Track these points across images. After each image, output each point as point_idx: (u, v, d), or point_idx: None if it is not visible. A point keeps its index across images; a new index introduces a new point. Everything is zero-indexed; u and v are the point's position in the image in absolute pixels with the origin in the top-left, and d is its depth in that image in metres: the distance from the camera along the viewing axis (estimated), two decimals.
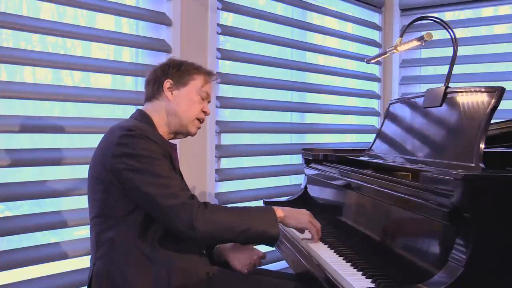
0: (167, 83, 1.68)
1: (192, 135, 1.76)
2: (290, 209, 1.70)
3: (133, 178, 1.47)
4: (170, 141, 1.75)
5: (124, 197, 1.50)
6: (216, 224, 1.49)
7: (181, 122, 1.70)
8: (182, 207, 1.46)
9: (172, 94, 1.69)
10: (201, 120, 1.74)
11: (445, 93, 1.78)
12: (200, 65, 1.78)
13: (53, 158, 2.05)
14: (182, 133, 1.74)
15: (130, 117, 1.71)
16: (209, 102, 1.78)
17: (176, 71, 1.70)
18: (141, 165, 1.47)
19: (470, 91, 1.69)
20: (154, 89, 1.71)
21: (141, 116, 1.67)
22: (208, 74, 1.76)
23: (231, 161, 2.85)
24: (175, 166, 1.60)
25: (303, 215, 1.70)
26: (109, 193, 1.52)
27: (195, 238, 1.50)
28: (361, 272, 1.47)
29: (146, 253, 1.51)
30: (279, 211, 1.63)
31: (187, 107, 1.69)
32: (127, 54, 2.50)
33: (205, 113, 1.74)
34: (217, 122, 2.68)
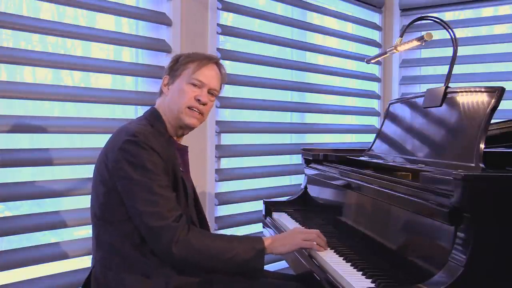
0: (165, 80, 1.66)
1: (191, 127, 1.64)
2: (279, 235, 1.65)
3: (127, 188, 1.45)
4: (183, 138, 1.71)
5: (123, 203, 1.48)
6: (195, 251, 1.45)
7: (173, 115, 1.62)
8: (164, 229, 1.42)
9: (168, 89, 1.65)
10: (195, 109, 1.61)
11: (445, 93, 1.78)
12: (201, 53, 1.70)
13: (53, 158, 2.05)
14: (181, 126, 1.64)
15: (143, 114, 1.67)
16: (211, 92, 1.65)
17: (173, 65, 1.66)
18: (138, 176, 1.44)
19: (470, 91, 1.69)
20: (160, 87, 1.69)
21: (152, 115, 1.63)
22: (203, 59, 1.65)
23: (231, 161, 2.85)
24: (177, 175, 1.55)
25: (293, 237, 1.61)
26: (110, 197, 1.50)
27: (172, 263, 1.47)
28: (361, 272, 1.47)
29: (145, 261, 1.48)
30: (268, 242, 1.55)
31: (177, 99, 1.61)
32: (127, 54, 2.50)
33: (198, 101, 1.61)
34: (217, 122, 2.68)
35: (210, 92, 1.65)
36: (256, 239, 1.56)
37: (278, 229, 2.10)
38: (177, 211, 1.47)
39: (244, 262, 1.50)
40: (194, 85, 1.61)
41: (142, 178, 1.44)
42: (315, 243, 1.63)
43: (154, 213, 1.43)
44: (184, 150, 1.71)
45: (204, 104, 1.62)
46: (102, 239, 1.53)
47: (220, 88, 1.72)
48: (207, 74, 1.63)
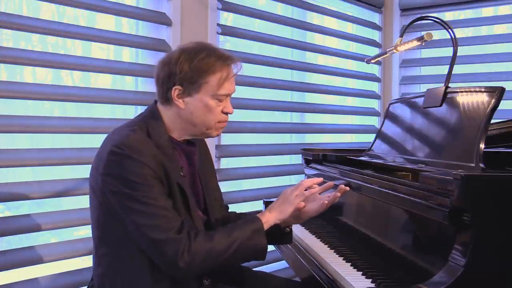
0: (175, 91, 1.47)
1: (215, 137, 1.63)
2: (274, 204, 1.57)
3: (121, 203, 1.38)
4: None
5: (116, 219, 1.41)
6: (200, 259, 1.38)
7: (198, 131, 1.53)
8: (167, 242, 1.36)
9: (183, 101, 1.48)
10: (223, 121, 1.55)
11: (445, 93, 1.78)
12: (216, 53, 1.51)
13: (53, 158, 2.05)
14: (204, 137, 1.62)
15: (141, 114, 1.56)
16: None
17: (186, 73, 1.46)
18: (128, 190, 1.36)
19: (470, 91, 1.69)
20: (163, 92, 1.50)
21: (150, 117, 1.51)
22: (222, 68, 1.50)
23: (231, 161, 2.85)
24: (172, 181, 1.44)
25: (287, 199, 1.55)
26: (103, 211, 1.44)
27: (180, 276, 1.42)
28: (361, 272, 1.47)
29: (141, 282, 1.43)
30: (266, 216, 1.52)
31: (204, 116, 1.50)
32: (127, 54, 2.50)
33: (226, 113, 1.53)
34: None
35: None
36: (253, 219, 1.50)
37: None
38: (177, 221, 1.39)
39: (249, 248, 1.45)
40: (220, 100, 1.51)
41: (132, 191, 1.36)
42: (305, 192, 1.56)
43: (153, 225, 1.36)
44: (191, 151, 1.58)
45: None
46: (100, 254, 1.49)
47: None
48: (231, 84, 1.54)
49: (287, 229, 1.67)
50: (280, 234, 1.65)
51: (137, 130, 1.44)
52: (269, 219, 1.52)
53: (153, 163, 1.40)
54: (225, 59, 1.52)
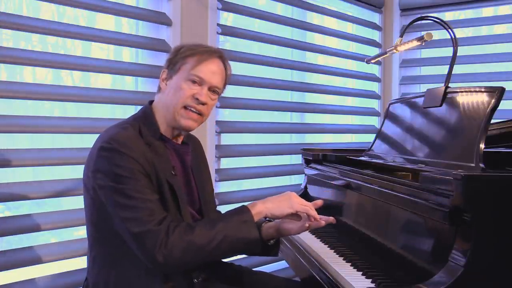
0: (163, 74, 1.52)
1: (187, 129, 1.51)
2: (272, 197, 1.52)
3: (106, 197, 1.37)
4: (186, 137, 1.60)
5: (109, 216, 1.39)
6: (179, 252, 1.33)
7: (169, 115, 1.49)
8: (146, 235, 1.32)
9: (166, 84, 1.51)
10: (192, 109, 1.47)
11: (445, 93, 1.78)
12: (203, 45, 1.55)
13: (53, 158, 2.05)
14: (176, 128, 1.51)
15: (135, 113, 1.57)
16: (213, 90, 1.50)
17: (173, 58, 1.52)
18: (114, 183, 1.35)
19: (470, 91, 1.69)
20: (159, 82, 1.56)
21: (143, 114, 1.52)
22: (203, 53, 1.49)
23: (231, 161, 2.85)
24: (161, 179, 1.42)
25: (289, 199, 1.50)
26: (96, 209, 1.44)
27: (160, 270, 1.39)
28: (361, 272, 1.47)
29: (138, 282, 1.42)
30: (258, 206, 1.46)
31: (172, 96, 1.47)
32: (127, 54, 2.50)
33: (196, 100, 1.46)
34: (217, 122, 2.68)
35: (212, 89, 1.50)
36: (241, 210, 1.45)
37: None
38: (160, 214, 1.36)
39: (237, 240, 1.39)
40: (193, 82, 1.47)
41: (118, 184, 1.35)
42: (308, 210, 1.50)
43: (134, 218, 1.33)
44: (183, 150, 1.56)
45: (203, 104, 1.48)
46: (95, 253, 1.49)
47: (224, 86, 1.56)
48: (208, 70, 1.48)
49: (271, 241, 1.59)
50: (263, 246, 1.56)
51: (128, 128, 1.45)
52: (262, 210, 1.46)
53: (142, 159, 1.39)
54: (212, 50, 1.54)
